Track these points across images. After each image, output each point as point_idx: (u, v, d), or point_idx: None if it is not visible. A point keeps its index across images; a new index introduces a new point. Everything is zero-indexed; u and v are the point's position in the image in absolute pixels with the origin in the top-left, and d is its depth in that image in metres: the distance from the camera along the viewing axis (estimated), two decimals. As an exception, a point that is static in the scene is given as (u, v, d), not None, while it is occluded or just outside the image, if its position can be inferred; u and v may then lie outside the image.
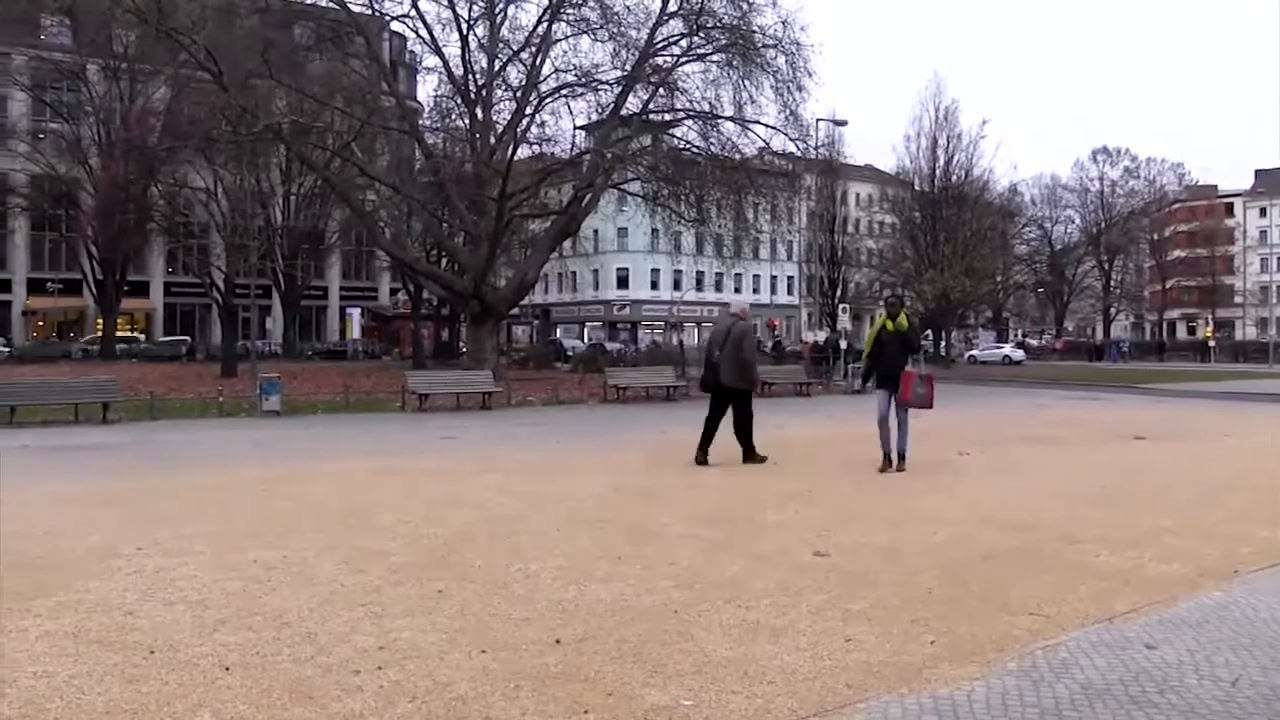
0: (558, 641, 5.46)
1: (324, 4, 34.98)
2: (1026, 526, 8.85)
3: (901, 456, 12.44)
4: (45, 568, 7.22)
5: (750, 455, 13.33)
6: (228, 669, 4.99)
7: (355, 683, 4.80)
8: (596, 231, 70.62)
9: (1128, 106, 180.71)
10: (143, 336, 64.94)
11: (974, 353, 73.71)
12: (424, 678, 4.87)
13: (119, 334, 60.09)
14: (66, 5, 46.98)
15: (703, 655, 5.25)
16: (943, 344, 63.66)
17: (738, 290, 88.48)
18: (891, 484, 11.54)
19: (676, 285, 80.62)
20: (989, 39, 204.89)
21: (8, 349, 56.49)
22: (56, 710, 4.46)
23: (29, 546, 7.99)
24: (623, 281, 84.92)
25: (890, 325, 12.62)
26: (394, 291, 71.89)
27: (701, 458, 13.14)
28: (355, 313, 69.67)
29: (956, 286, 56.90)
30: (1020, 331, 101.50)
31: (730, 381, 13.27)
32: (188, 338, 63.95)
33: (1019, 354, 69.93)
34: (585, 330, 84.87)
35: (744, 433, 13.41)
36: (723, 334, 13.51)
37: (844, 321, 43.94)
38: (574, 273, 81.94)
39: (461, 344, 52.91)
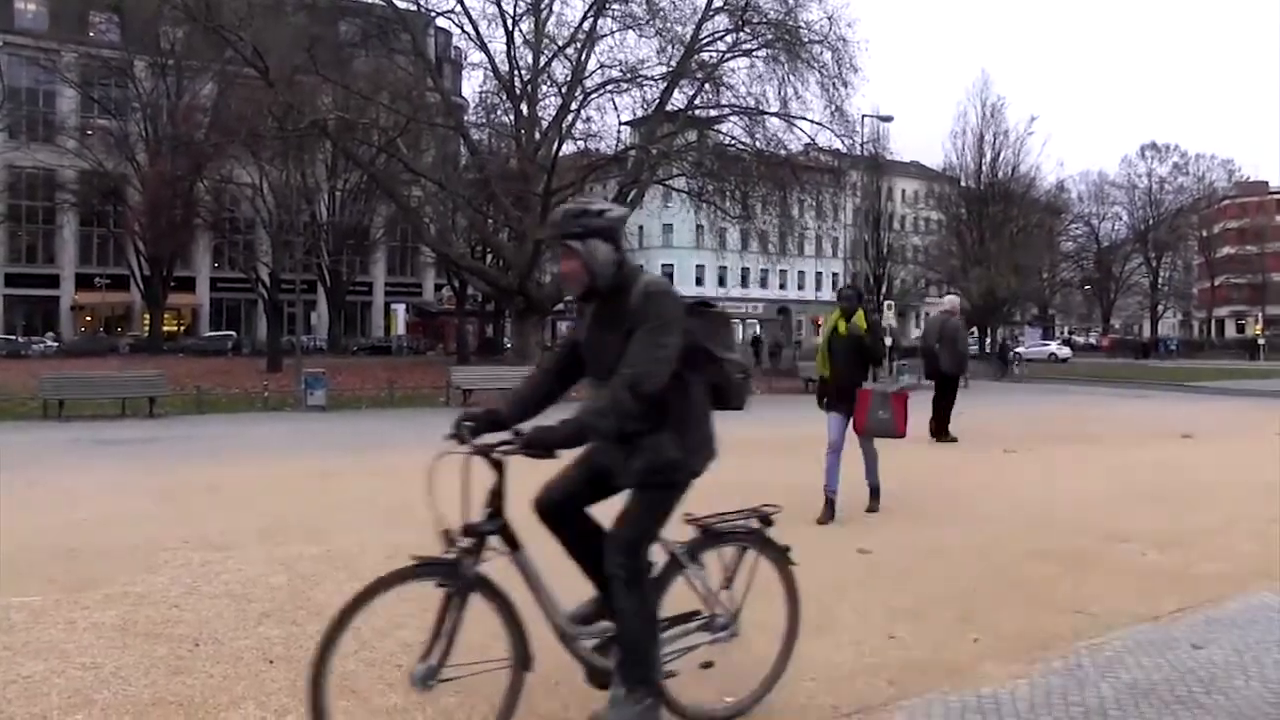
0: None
1: (370, 0, 35.20)
2: (1072, 525, 8.73)
3: (874, 493, 9.33)
4: (93, 560, 7.29)
5: (945, 433, 15.60)
6: (271, 662, 5.02)
7: (398, 677, 4.79)
8: (641, 228, 70.71)
9: (1177, 102, 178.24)
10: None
11: (1019, 350, 73.03)
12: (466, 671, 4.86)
13: (165, 329, 60.88)
14: (115, 2, 47.69)
15: (745, 651, 5.22)
16: (988, 342, 63.04)
17: (783, 286, 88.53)
18: (934, 483, 11.41)
19: (721, 281, 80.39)
20: (1037, 33, 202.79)
21: (56, 343, 57.37)
22: (104, 701, 4.49)
23: (77, 539, 8.08)
24: (668, 277, 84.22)
25: (843, 327, 9.11)
26: (439, 287, 72.22)
27: (944, 436, 15.57)
28: (400, 308, 70.09)
29: (1003, 283, 56.42)
30: (1066, 329, 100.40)
31: (946, 368, 15.78)
32: (233, 333, 64.66)
33: (1065, 351, 69.19)
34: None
35: (947, 411, 15.76)
36: (937, 328, 15.99)
37: (889, 319, 43.64)
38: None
39: (506, 340, 53.11)
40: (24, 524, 8.77)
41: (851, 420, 8.97)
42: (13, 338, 58.03)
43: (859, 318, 9.03)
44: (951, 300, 17.27)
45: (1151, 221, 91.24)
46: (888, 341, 37.09)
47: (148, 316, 61.09)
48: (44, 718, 4.30)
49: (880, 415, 8.88)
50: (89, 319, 65.92)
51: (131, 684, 4.70)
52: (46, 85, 62.00)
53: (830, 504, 8.83)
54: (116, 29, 57.27)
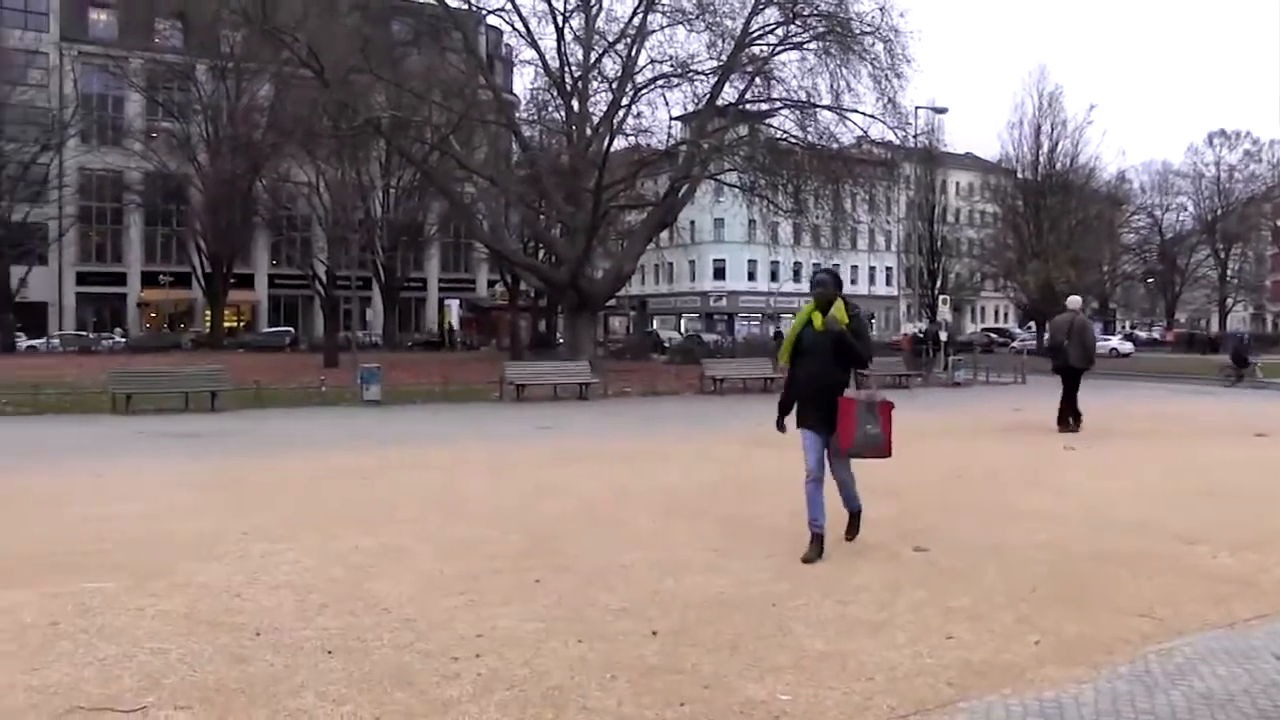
0: (654, 633, 5.45)
1: (422, 0, 35.43)
2: (1137, 525, 8.55)
3: (854, 516, 7.74)
4: (159, 550, 7.48)
5: (1067, 423, 16.48)
6: (330, 652, 5.10)
7: (453, 669, 4.86)
8: (693, 222, 70.62)
9: (1246, 87, 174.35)
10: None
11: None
12: (521, 666, 4.90)
13: (225, 325, 61.88)
14: (179, 8, 48.60)
15: (800, 649, 5.19)
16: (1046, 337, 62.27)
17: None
18: (993, 480, 11.28)
19: (774, 276, 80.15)
20: (1097, 18, 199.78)
21: (124, 339, 58.58)
22: (172, 685, 4.63)
23: (144, 529, 8.30)
24: (719, 272, 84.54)
25: (818, 321, 7.32)
26: (492, 283, 72.64)
27: (1073, 426, 16.40)
28: (454, 304, 70.47)
29: (1061, 277, 55.62)
30: (1128, 323, 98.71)
31: (1076, 363, 16.46)
32: (291, 329, 65.50)
33: (1127, 346, 68.05)
34: (682, 321, 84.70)
35: (1072, 402, 16.59)
36: (1066, 325, 16.72)
37: (944, 313, 43.37)
38: (671, 264, 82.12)
39: (559, 335, 53.29)
40: (94, 513, 9.04)
41: (833, 437, 7.31)
42: (83, 334, 59.36)
43: (838, 309, 7.25)
44: (1075, 300, 17.98)
45: (1220, 211, 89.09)
46: (942, 337, 36.73)
47: (209, 313, 62.38)
48: (118, 699, 4.46)
49: (869, 430, 7.24)
50: (154, 315, 67.17)
51: (197, 670, 4.84)
52: (115, 91, 63.74)
53: (819, 540, 7.30)
54: (180, 35, 58.74)
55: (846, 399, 7.19)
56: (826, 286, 7.36)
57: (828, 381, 7.25)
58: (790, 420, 7.51)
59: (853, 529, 7.73)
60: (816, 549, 7.23)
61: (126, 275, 66.08)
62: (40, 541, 7.78)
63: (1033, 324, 63.25)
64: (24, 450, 14.57)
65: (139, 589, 6.31)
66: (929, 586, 6.48)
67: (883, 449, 7.32)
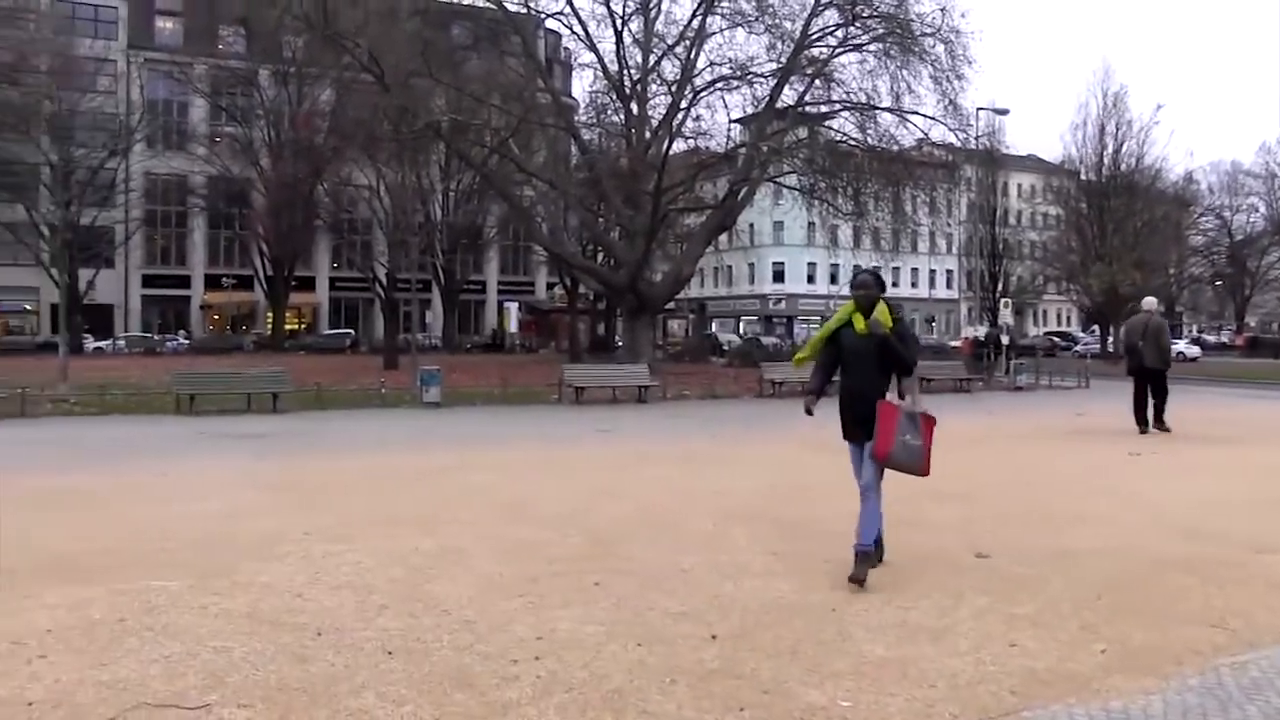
0: (714, 637, 5.43)
1: (481, 4, 35.69)
2: (1207, 532, 8.34)
3: (865, 555, 6.61)
4: (222, 549, 7.59)
5: (1161, 423, 16.71)
6: (390, 653, 5.14)
7: (513, 671, 4.87)
8: (752, 225, 70.41)
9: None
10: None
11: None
12: (580, 669, 4.90)
13: (286, 327, 62.77)
14: (242, 15, 49.39)
15: (861, 655, 5.14)
16: (1109, 342, 61.28)
17: (895, 284, 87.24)
18: (1056, 486, 11.09)
19: (833, 279, 79.62)
20: (1163, 16, 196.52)
21: (187, 341, 59.66)
22: (235, 683, 4.69)
23: (207, 528, 8.43)
24: (779, 275, 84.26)
25: (861, 324, 6.74)
26: (551, 285, 72.91)
27: (1143, 428, 16.60)
28: (513, 306, 70.84)
29: (1125, 280, 54.69)
30: (1195, 327, 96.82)
31: (1152, 364, 16.61)
32: (351, 331, 66.24)
33: (1194, 350, 66.75)
34: (741, 324, 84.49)
35: (1162, 404, 16.83)
36: (1141, 327, 16.90)
37: (1005, 316, 42.84)
38: (730, 266, 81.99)
39: (618, 338, 53.38)
40: (158, 512, 9.19)
41: (869, 443, 6.65)
42: (148, 335, 60.61)
43: (881, 312, 6.66)
44: (1150, 301, 18.01)
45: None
46: (1003, 340, 36.24)
47: (270, 315, 63.31)
48: (182, 696, 4.53)
49: (909, 441, 6.59)
50: (216, 317, 68.28)
51: (259, 669, 4.89)
52: (180, 96, 65.18)
53: (872, 553, 6.71)
54: (243, 41, 59.79)
55: (887, 404, 6.61)
56: (870, 288, 6.76)
57: (868, 389, 6.68)
58: (820, 410, 6.99)
59: (859, 570, 6.53)
60: (860, 576, 6.53)
61: (190, 278, 67.27)
62: (107, 540, 7.92)
63: (1096, 327, 62.27)
64: (91, 450, 14.86)
65: (203, 588, 6.40)
66: (992, 593, 6.38)
67: (920, 465, 6.70)
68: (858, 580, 6.43)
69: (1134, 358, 16.99)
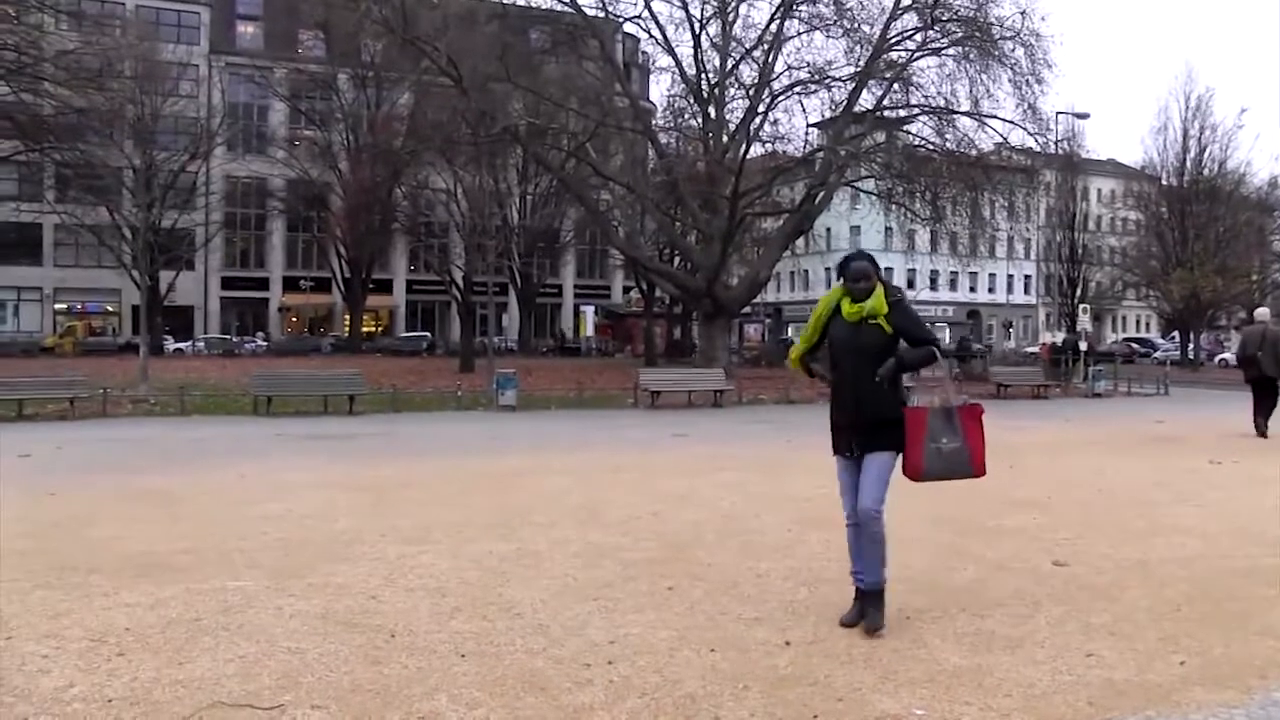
0: (788, 643, 5.37)
1: (559, 8, 35.91)
2: (1293, 544, 8.08)
3: (872, 597, 5.61)
4: (297, 549, 7.64)
5: (1263, 429, 16.92)
6: (463, 656, 5.13)
7: (586, 676, 4.84)
8: (829, 229, 69.89)
9: None
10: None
11: (1225, 356, 69.16)
12: (653, 674, 4.86)
13: (364, 329, 63.67)
14: (322, 19, 50.20)
15: (935, 663, 5.07)
16: (1190, 347, 59.92)
17: (973, 289, 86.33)
18: (1134, 494, 10.82)
19: (910, 284, 78.62)
20: (1246, 15, 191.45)
21: (266, 343, 60.81)
22: (308, 685, 4.69)
23: (283, 529, 8.49)
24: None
25: (851, 309, 5.57)
26: (627, 289, 73.05)
27: (1262, 431, 16.88)
28: (589, 310, 71.09)
29: (1207, 286, 53.64)
30: None
31: (1269, 372, 16.88)
32: (428, 334, 66.97)
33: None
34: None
35: (1270, 411, 17.06)
36: (1258, 336, 17.12)
37: (1084, 322, 42.25)
38: (806, 271, 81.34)
39: (694, 342, 53.33)
40: (235, 513, 9.30)
41: (900, 459, 5.61)
42: (227, 337, 61.90)
43: (877, 299, 5.49)
44: (1264, 311, 18.47)
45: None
46: (1082, 346, 35.57)
47: (348, 317, 64.23)
48: (257, 696, 4.55)
49: (945, 445, 5.53)
50: (294, 319, 69.46)
51: (333, 670, 4.90)
52: (260, 100, 66.31)
53: (862, 595, 5.69)
54: (322, 45, 60.63)
55: (914, 410, 5.55)
56: (870, 278, 5.56)
57: (862, 389, 5.53)
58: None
59: (872, 615, 5.58)
60: (857, 609, 5.67)
61: (269, 280, 68.55)
62: (185, 539, 8.00)
63: (1176, 334, 60.93)
64: (171, 449, 15.12)
65: (278, 588, 6.43)
66: (1069, 602, 6.22)
67: (967, 466, 5.62)
68: (875, 630, 5.48)
69: (1251, 367, 17.29)
